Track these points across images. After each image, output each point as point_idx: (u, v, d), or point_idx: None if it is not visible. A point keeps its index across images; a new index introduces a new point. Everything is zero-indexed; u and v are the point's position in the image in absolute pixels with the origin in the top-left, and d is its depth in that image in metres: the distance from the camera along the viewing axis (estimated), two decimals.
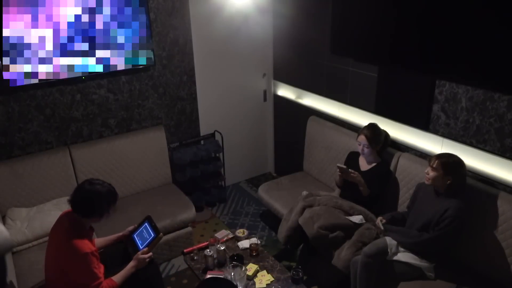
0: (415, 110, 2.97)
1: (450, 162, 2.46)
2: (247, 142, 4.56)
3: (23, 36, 2.96)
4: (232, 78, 4.22)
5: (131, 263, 2.41)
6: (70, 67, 3.19)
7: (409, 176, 2.92)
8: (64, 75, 3.19)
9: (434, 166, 2.47)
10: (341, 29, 2.38)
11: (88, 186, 2.28)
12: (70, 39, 3.13)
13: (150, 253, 2.47)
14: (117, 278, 2.34)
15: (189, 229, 3.43)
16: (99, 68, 3.31)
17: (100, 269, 2.27)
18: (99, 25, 3.20)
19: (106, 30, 3.23)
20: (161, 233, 2.53)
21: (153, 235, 2.54)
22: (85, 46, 3.20)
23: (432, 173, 2.48)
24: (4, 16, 2.86)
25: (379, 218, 2.75)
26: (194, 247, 2.94)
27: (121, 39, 3.32)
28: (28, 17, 2.94)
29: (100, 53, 3.28)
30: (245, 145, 4.55)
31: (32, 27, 2.97)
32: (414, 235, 2.54)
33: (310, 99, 3.96)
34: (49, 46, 3.07)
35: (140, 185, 3.65)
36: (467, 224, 2.51)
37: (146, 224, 2.65)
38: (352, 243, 2.73)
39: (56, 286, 2.33)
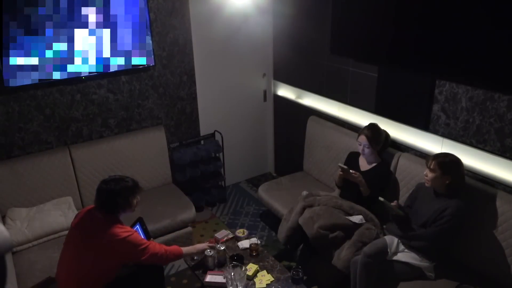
0: (415, 110, 2.97)
1: (447, 162, 2.45)
2: (247, 142, 4.56)
3: (23, 36, 2.96)
4: (232, 78, 4.21)
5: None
6: (70, 67, 3.19)
7: (409, 176, 2.92)
8: (64, 75, 3.19)
9: (431, 167, 2.46)
10: (341, 29, 2.39)
11: (104, 185, 2.33)
12: (70, 39, 3.13)
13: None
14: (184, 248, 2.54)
15: (189, 229, 3.43)
16: (99, 68, 3.31)
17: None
18: (99, 25, 3.20)
19: (106, 30, 3.24)
20: (152, 239, 2.52)
21: None
22: (85, 46, 3.20)
23: (430, 175, 2.48)
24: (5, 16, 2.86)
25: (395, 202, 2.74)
26: None
27: (121, 39, 3.32)
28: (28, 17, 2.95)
29: (99, 53, 3.28)
30: (245, 145, 4.55)
31: (32, 27, 2.98)
32: (412, 230, 2.55)
33: (310, 99, 3.96)
34: (49, 45, 3.07)
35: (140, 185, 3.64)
36: (467, 224, 2.52)
37: (137, 226, 2.62)
38: (352, 243, 2.73)
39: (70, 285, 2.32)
